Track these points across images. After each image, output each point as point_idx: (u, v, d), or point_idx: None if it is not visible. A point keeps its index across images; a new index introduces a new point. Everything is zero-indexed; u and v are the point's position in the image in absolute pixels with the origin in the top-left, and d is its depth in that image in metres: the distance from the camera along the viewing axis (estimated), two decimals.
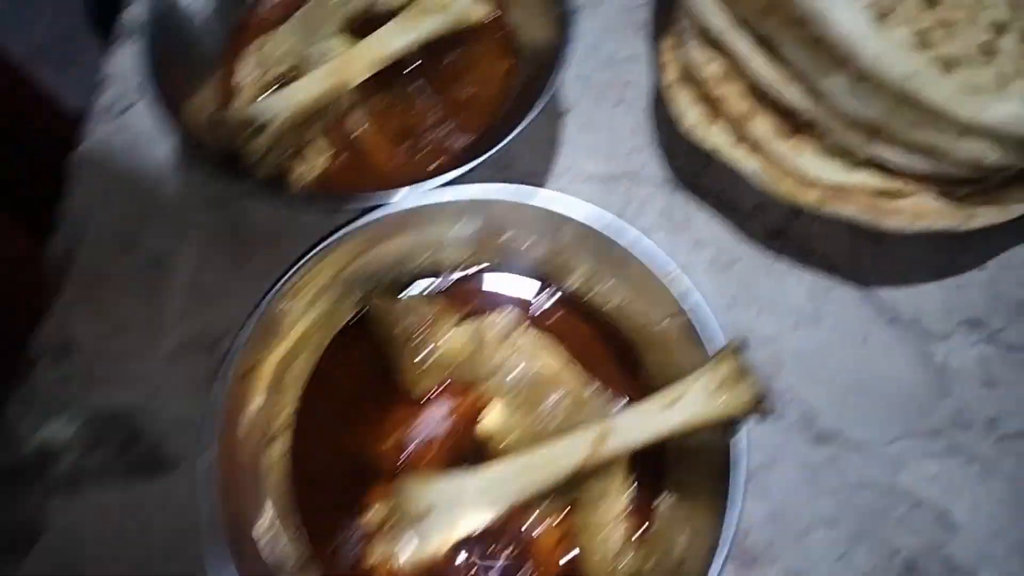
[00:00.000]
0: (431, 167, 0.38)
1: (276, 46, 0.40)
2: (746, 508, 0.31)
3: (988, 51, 0.34)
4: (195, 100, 0.39)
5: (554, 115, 0.42)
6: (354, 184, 0.38)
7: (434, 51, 0.40)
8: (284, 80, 0.39)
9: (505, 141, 0.35)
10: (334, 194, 0.37)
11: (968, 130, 0.33)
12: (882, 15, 0.34)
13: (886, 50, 0.32)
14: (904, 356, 0.38)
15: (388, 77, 0.39)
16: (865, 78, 0.33)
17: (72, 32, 1.10)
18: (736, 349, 0.29)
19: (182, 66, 0.39)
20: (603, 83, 0.43)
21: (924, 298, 0.39)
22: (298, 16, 0.41)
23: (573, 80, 0.43)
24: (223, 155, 0.35)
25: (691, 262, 0.39)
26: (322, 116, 0.38)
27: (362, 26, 0.40)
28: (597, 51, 0.44)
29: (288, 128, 0.37)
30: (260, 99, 0.39)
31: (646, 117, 0.42)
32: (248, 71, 0.39)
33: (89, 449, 0.35)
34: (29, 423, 0.36)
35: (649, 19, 0.45)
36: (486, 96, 0.40)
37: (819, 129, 0.36)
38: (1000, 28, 0.35)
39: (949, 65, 0.33)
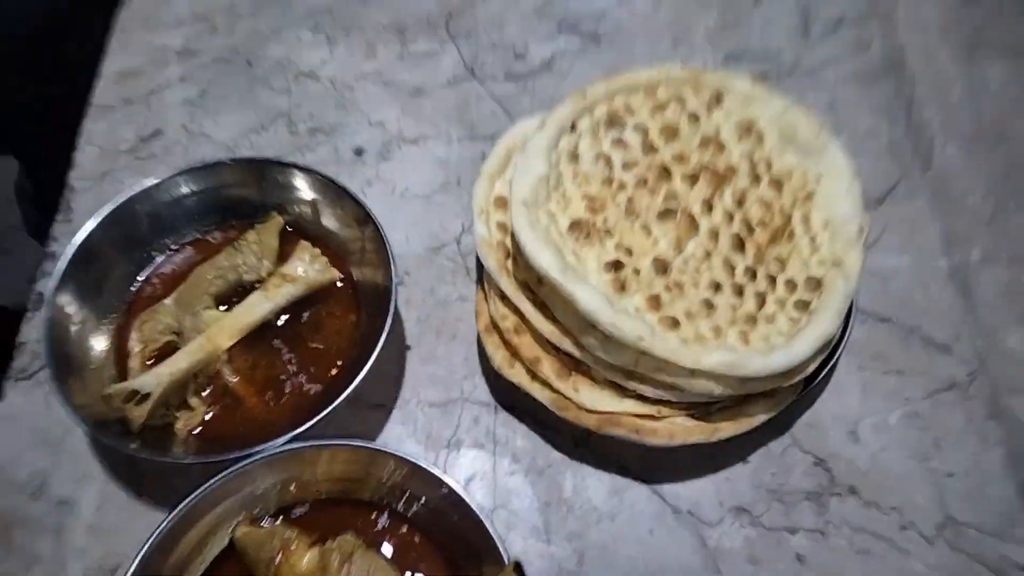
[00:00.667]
0: (295, 410, 0.51)
1: (156, 323, 0.53)
2: None
3: (709, 306, 0.50)
4: (86, 372, 0.51)
5: (399, 352, 0.56)
6: (230, 431, 0.50)
7: (294, 310, 0.54)
8: (164, 349, 0.52)
9: (353, 385, 0.48)
10: (210, 442, 0.49)
11: (695, 373, 0.48)
12: (622, 285, 0.49)
13: (619, 319, 0.47)
14: (684, 541, 0.51)
15: (253, 338, 0.53)
16: (610, 338, 0.47)
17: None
18: (516, 565, 0.42)
19: (75, 344, 0.51)
20: (439, 321, 0.58)
21: (700, 491, 0.52)
22: (173, 296, 0.54)
23: (414, 321, 0.57)
24: (115, 422, 0.48)
25: (512, 470, 0.52)
26: (198, 377, 0.51)
27: (233, 296, 0.54)
28: (434, 294, 0.59)
29: (169, 392, 0.49)
30: (141, 373, 0.51)
31: (474, 348, 0.56)
32: (134, 344, 0.52)
33: None
34: None
35: (474, 265, 0.60)
36: (337, 346, 0.54)
37: (590, 370, 0.50)
38: (717, 286, 0.50)
39: (675, 323, 0.48)
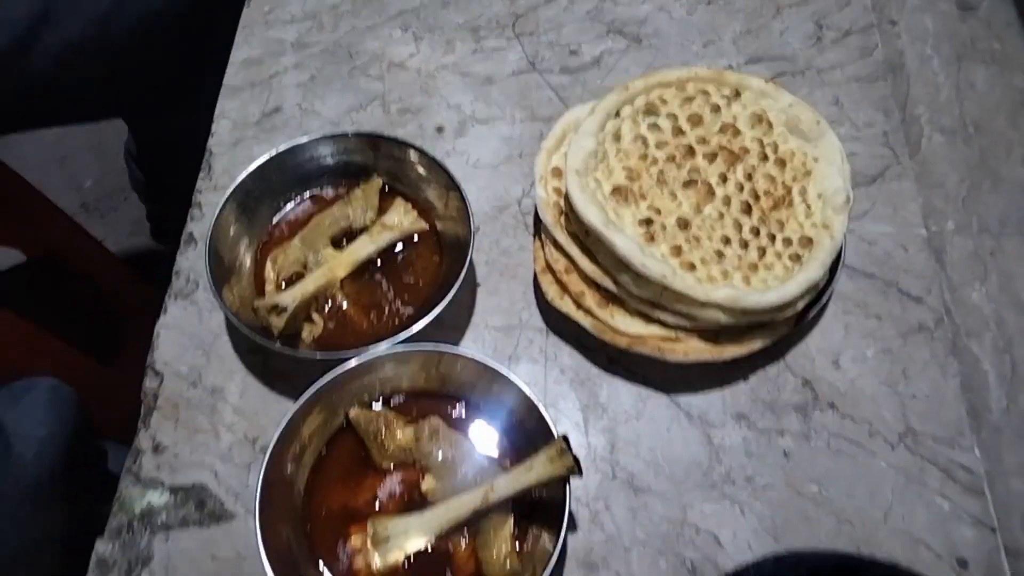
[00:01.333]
0: (392, 327, 0.65)
1: (287, 257, 0.68)
2: (590, 535, 0.58)
3: (720, 255, 0.63)
4: (235, 289, 0.66)
5: (472, 288, 0.70)
6: (342, 341, 0.65)
7: (390, 252, 0.69)
8: (293, 277, 0.67)
9: (437, 310, 0.62)
10: (329, 348, 0.64)
11: (706, 304, 0.61)
12: (651, 237, 0.63)
13: (648, 261, 0.60)
14: (694, 438, 0.64)
15: (361, 271, 0.67)
16: (641, 276, 0.61)
17: (112, 190, 1.40)
18: (562, 438, 0.56)
19: (228, 268, 0.66)
20: (503, 265, 0.72)
21: (708, 401, 0.66)
22: (299, 237, 0.69)
23: (483, 264, 0.72)
24: (258, 326, 0.63)
25: (559, 380, 0.66)
26: (319, 300, 0.66)
27: (344, 239, 0.69)
28: (499, 244, 0.73)
29: (299, 308, 0.64)
30: (280, 292, 0.66)
31: (530, 287, 0.71)
32: (269, 272, 0.68)
33: (176, 509, 0.60)
34: (137, 494, 0.61)
35: (531, 223, 0.74)
36: (424, 281, 0.68)
37: (623, 301, 0.64)
38: (727, 240, 0.64)
39: (692, 266, 0.62)
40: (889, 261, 0.72)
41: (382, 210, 0.70)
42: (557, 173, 0.70)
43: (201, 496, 0.62)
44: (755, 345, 0.65)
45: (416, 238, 0.70)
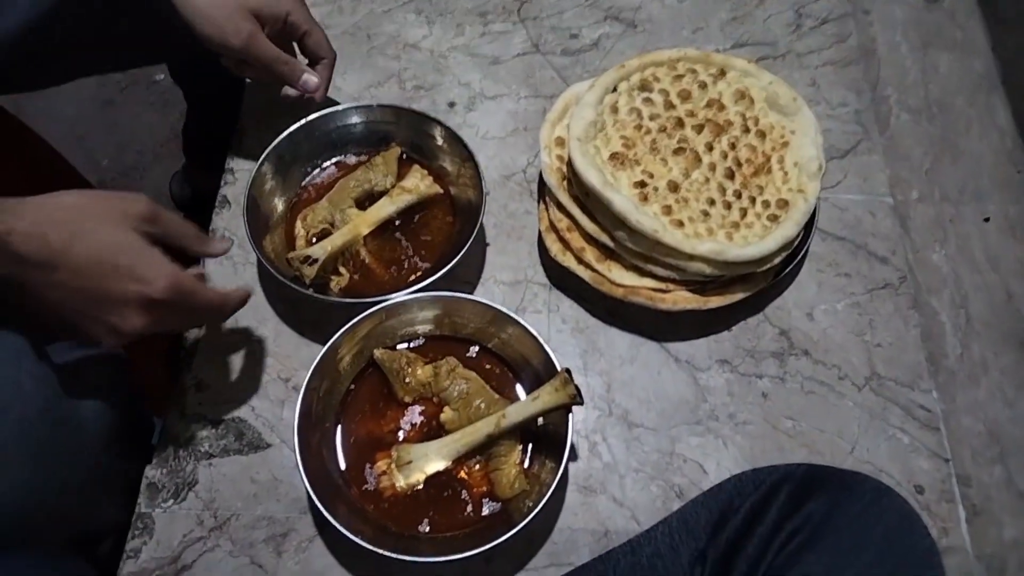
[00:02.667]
0: (409, 280, 0.71)
1: (315, 215, 0.74)
2: (589, 463, 0.64)
3: (705, 215, 0.69)
4: (270, 243, 0.72)
5: (482, 247, 0.76)
6: (365, 291, 0.71)
7: (408, 213, 0.75)
8: (321, 234, 0.73)
9: (451, 264, 0.68)
10: (353, 297, 0.70)
11: (692, 257, 0.67)
12: (644, 197, 0.69)
13: (642, 218, 0.66)
14: (682, 380, 0.71)
15: (382, 229, 0.73)
16: (635, 231, 0.67)
17: (128, 167, 1.45)
18: (565, 371, 0.62)
19: (263, 224, 0.72)
20: (509, 227, 0.78)
21: (695, 348, 0.72)
22: (327, 198, 0.75)
23: (492, 226, 0.78)
24: (291, 276, 0.69)
25: (561, 329, 0.73)
26: (344, 254, 0.72)
27: (366, 200, 0.75)
28: (506, 208, 0.79)
29: (327, 260, 0.70)
30: (310, 246, 0.72)
31: (535, 246, 0.77)
32: (299, 230, 0.73)
33: (218, 439, 0.66)
34: (183, 427, 0.67)
35: (535, 189, 0.80)
36: (439, 239, 0.74)
37: (619, 256, 0.70)
38: (712, 202, 0.70)
39: (681, 224, 0.68)
40: (859, 226, 0.78)
41: (401, 176, 0.76)
42: (560, 142, 0.76)
43: (240, 428, 0.67)
44: (737, 296, 0.71)
45: (432, 201, 0.76)
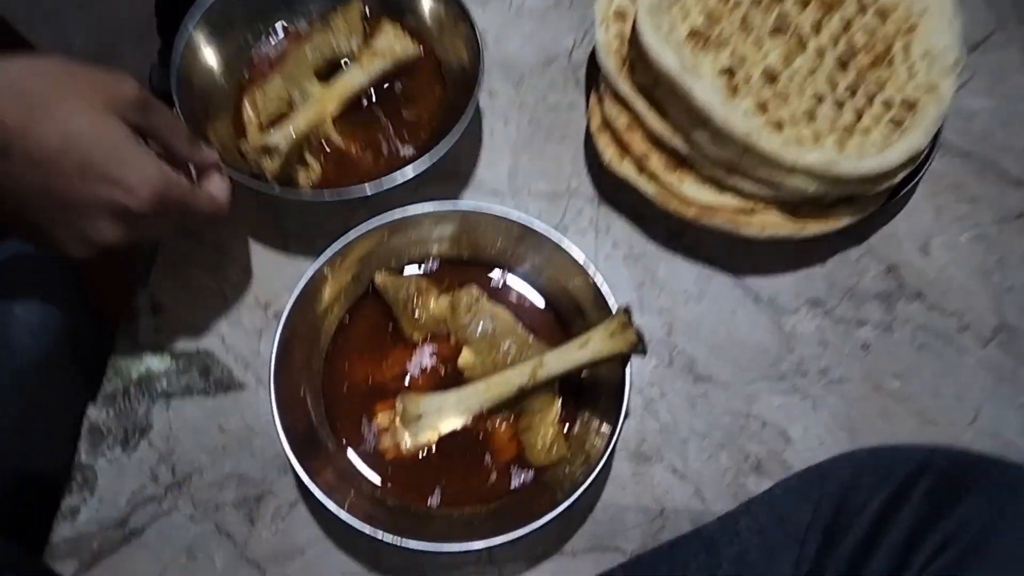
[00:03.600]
0: (395, 167, 0.54)
1: (268, 95, 0.58)
2: (643, 424, 0.50)
3: (810, 116, 0.53)
4: (211, 133, 0.56)
5: (513, 149, 0.61)
6: (343, 181, 0.55)
7: (386, 84, 0.59)
8: (278, 118, 0.57)
9: (447, 143, 0.52)
10: (327, 189, 0.54)
11: (793, 170, 0.52)
12: (733, 89, 0.52)
13: (732, 116, 0.50)
14: (762, 324, 0.56)
15: (355, 107, 0.58)
16: (720, 133, 0.51)
17: (102, 48, 1.27)
18: (624, 311, 0.47)
19: (200, 110, 0.56)
20: (549, 125, 0.62)
21: (779, 284, 0.57)
22: (279, 73, 0.58)
23: (527, 123, 0.62)
24: (248, 172, 0.53)
25: (611, 256, 0.58)
26: (311, 141, 0.56)
27: (327, 72, 0.59)
28: (545, 101, 0.62)
29: (292, 150, 0.55)
30: (267, 133, 0.56)
31: (581, 150, 0.61)
32: (249, 115, 0.57)
33: (178, 376, 0.53)
34: (134, 359, 0.53)
35: (583, 77, 0.63)
36: (425, 115, 0.59)
37: (694, 165, 0.54)
38: (820, 98, 0.54)
39: (779, 125, 0.52)
40: (988, 139, 0.62)
41: (370, 37, 0.60)
42: (620, 16, 0.59)
43: (206, 363, 0.54)
44: (841, 222, 0.55)
45: (414, 68, 0.60)
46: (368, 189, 0.50)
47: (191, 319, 0.55)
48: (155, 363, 0.53)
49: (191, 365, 0.53)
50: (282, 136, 0.55)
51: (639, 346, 0.46)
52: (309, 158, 0.56)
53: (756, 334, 0.56)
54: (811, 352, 0.55)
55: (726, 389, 0.54)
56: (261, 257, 0.57)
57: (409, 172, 0.51)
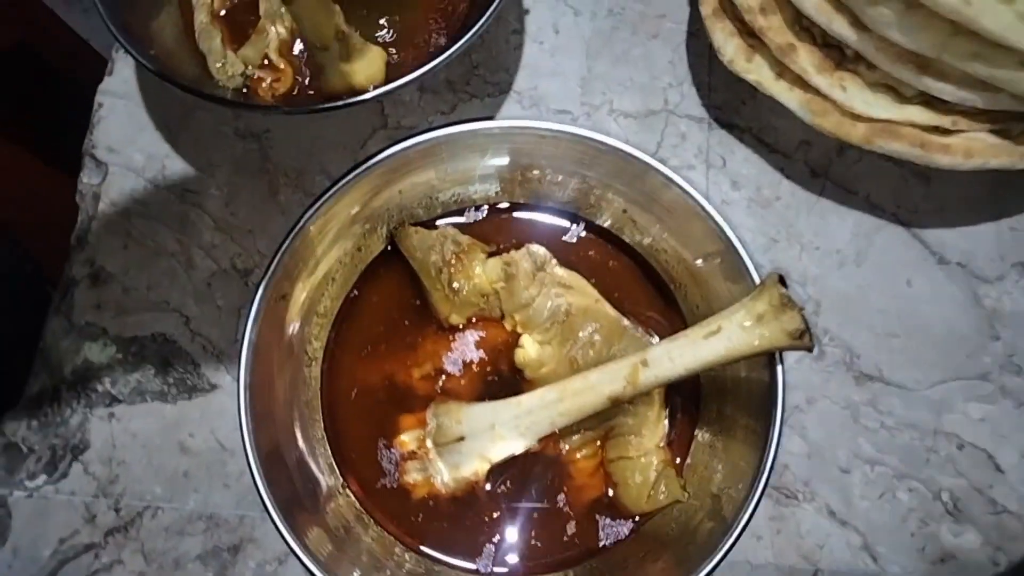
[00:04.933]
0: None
1: None
2: (783, 445, 0.33)
3: None
4: (154, 30, 0.40)
5: (586, 50, 0.43)
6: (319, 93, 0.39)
7: None
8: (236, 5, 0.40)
9: (478, 30, 0.35)
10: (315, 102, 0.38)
11: None
12: None
13: None
14: (951, 298, 0.39)
15: None
16: (916, 6, 0.33)
17: None
18: (777, 282, 0.30)
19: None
20: (637, 15, 0.44)
21: (975, 240, 0.39)
22: None
23: (606, 13, 0.44)
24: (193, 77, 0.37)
25: (729, 200, 0.40)
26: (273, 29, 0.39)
27: None
28: None
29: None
30: (212, 27, 0.40)
31: (683, 51, 0.43)
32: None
33: (126, 371, 0.38)
34: (68, 347, 0.38)
35: None
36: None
37: (865, 62, 0.36)
38: None
39: None
40: None
41: None
42: None
43: (165, 354, 0.38)
44: None
45: None
46: (372, 92, 0.34)
47: (144, 292, 0.39)
48: (95, 353, 0.38)
49: (144, 357, 0.38)
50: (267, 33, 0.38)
51: (805, 337, 0.29)
52: (273, 57, 0.39)
53: (944, 311, 0.38)
54: None
55: (903, 394, 0.37)
56: (242, 204, 0.41)
57: (429, 66, 0.34)
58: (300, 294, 0.34)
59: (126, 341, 0.38)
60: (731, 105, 0.41)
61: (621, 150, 0.33)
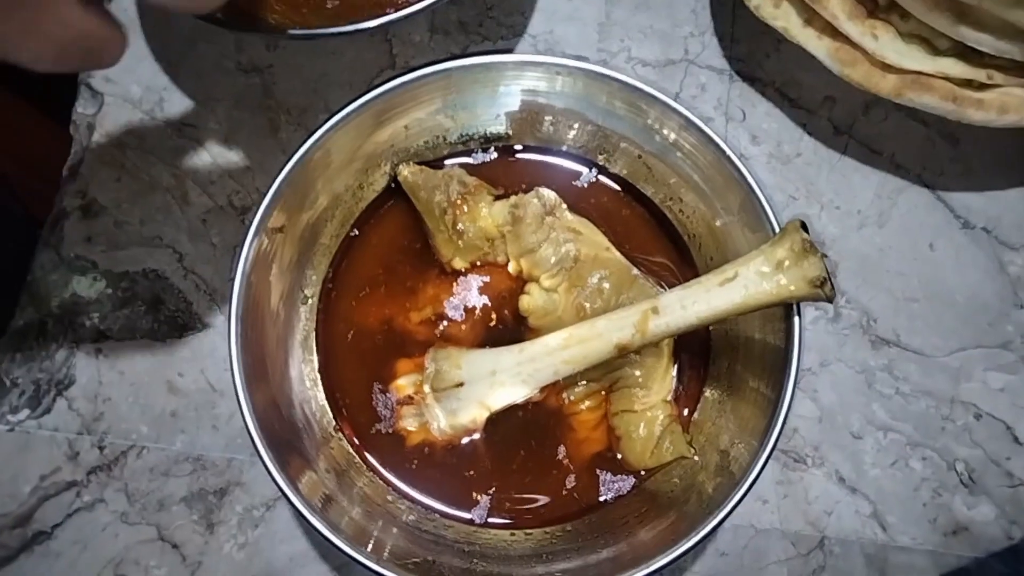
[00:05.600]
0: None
1: None
2: (794, 407, 0.31)
3: None
4: None
5: None
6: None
7: None
8: None
9: None
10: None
11: None
12: None
13: None
14: (975, 264, 0.37)
15: None
16: None
17: None
18: (799, 227, 0.29)
19: None
20: None
21: (1002, 204, 0.38)
22: None
23: None
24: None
25: (749, 155, 0.39)
26: None
27: None
28: None
29: None
30: None
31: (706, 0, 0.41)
32: None
33: (116, 307, 0.36)
34: (57, 280, 0.36)
35: None
36: None
37: (899, 11, 0.34)
38: None
39: None
40: None
41: None
42: None
43: (156, 290, 0.37)
44: None
45: None
46: (379, 19, 0.32)
47: (137, 227, 0.37)
48: (84, 287, 0.37)
49: (135, 293, 0.36)
50: None
51: (826, 286, 0.28)
52: None
53: (966, 278, 0.37)
54: None
55: (921, 360, 0.36)
56: (243, 139, 0.39)
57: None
58: (297, 228, 0.32)
59: (117, 276, 0.37)
60: (754, 57, 0.40)
61: (640, 89, 0.31)
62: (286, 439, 0.30)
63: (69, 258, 0.37)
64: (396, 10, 0.33)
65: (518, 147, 0.36)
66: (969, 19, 0.33)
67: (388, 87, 0.31)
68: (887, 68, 0.35)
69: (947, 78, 0.35)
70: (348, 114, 0.31)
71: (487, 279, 0.33)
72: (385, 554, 0.28)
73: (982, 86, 0.35)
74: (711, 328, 0.33)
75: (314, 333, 0.33)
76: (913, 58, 0.35)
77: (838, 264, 0.37)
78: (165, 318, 0.36)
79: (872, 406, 0.35)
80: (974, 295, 0.36)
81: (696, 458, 0.31)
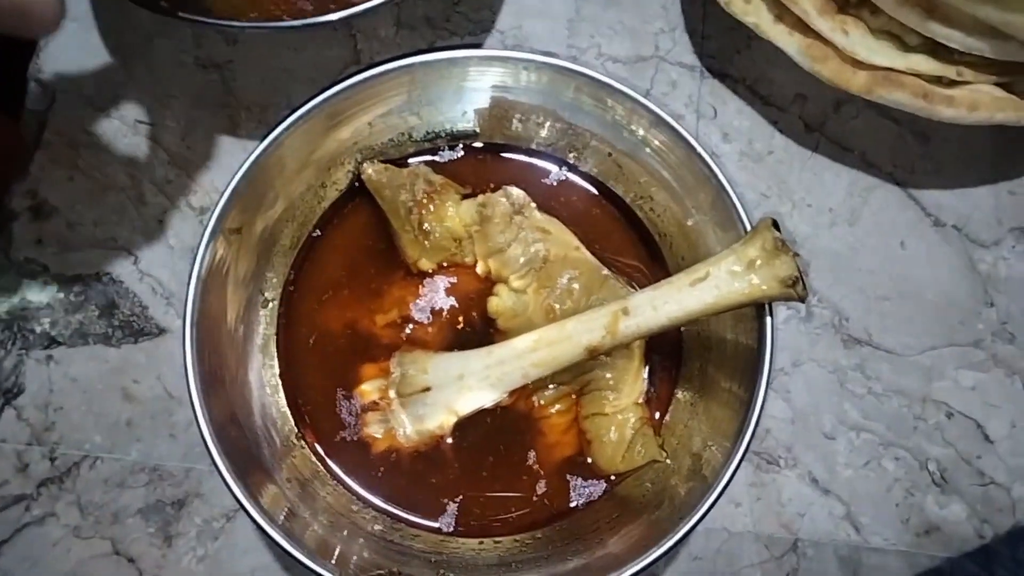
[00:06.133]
0: None
1: None
2: (766, 408, 0.31)
3: None
4: None
5: None
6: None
7: None
8: None
9: None
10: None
11: None
12: None
13: None
14: (946, 262, 0.37)
15: None
16: None
17: None
18: (771, 225, 0.28)
19: None
20: None
21: (972, 203, 0.37)
22: None
23: None
24: None
25: (720, 153, 0.38)
26: None
27: None
28: None
29: None
30: None
31: None
32: None
33: (68, 312, 0.34)
34: (5, 284, 0.35)
35: None
36: None
37: (869, 6, 0.34)
38: None
39: None
40: None
41: None
42: None
43: (110, 294, 0.35)
44: None
45: None
46: (342, 12, 0.31)
47: (91, 228, 0.36)
48: (34, 292, 0.35)
49: (87, 298, 0.35)
50: None
51: (798, 285, 0.27)
52: None
53: (937, 275, 0.36)
54: (1020, 307, 0.36)
55: (892, 359, 0.35)
56: (200, 138, 0.37)
57: None
58: (256, 229, 0.31)
59: (69, 280, 0.35)
60: (725, 54, 0.39)
61: (608, 85, 0.31)
62: (245, 448, 0.29)
63: (18, 261, 0.35)
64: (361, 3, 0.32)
65: (485, 145, 0.35)
66: (938, 15, 0.33)
67: (350, 82, 0.30)
68: (858, 64, 0.35)
69: (917, 75, 0.34)
70: (309, 110, 0.30)
71: (454, 280, 0.32)
72: (350, 567, 0.27)
73: (952, 83, 0.35)
74: (683, 329, 0.33)
75: (275, 338, 0.32)
76: (884, 54, 0.34)
77: (810, 263, 0.37)
78: (120, 323, 0.35)
79: (844, 406, 0.34)
80: (945, 293, 0.36)
81: (668, 461, 0.30)
